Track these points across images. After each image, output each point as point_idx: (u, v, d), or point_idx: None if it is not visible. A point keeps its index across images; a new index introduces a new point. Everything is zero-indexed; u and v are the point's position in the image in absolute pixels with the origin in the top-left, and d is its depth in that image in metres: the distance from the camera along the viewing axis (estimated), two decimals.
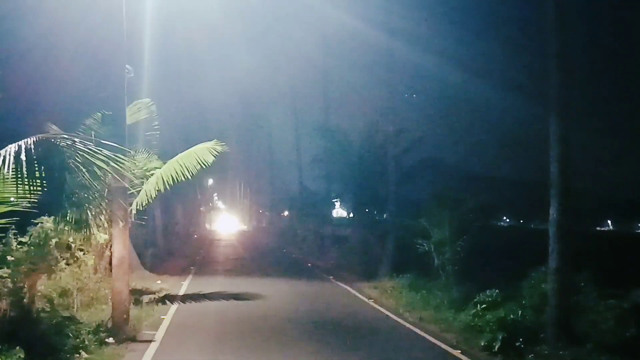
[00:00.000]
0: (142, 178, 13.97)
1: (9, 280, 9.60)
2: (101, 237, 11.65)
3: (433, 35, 20.33)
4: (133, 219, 13.42)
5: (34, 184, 6.21)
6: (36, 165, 6.13)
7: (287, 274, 23.20)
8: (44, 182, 6.18)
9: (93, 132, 13.43)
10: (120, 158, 6.58)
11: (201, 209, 55.38)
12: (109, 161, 6.38)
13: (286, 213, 50.06)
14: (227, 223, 66.33)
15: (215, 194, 79.21)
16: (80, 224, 6.74)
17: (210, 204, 72.77)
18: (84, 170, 6.38)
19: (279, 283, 20.29)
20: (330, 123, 30.55)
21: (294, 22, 29.08)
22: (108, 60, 11.62)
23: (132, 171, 13.83)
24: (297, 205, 39.11)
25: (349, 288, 19.30)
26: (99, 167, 6.34)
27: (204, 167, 13.60)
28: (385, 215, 24.75)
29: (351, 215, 36.55)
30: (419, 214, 17.57)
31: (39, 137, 6.24)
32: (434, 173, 21.36)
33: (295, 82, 37.64)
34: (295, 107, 40.23)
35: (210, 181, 62.11)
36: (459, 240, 15.30)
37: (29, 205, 6.96)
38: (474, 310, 12.18)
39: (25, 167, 6.02)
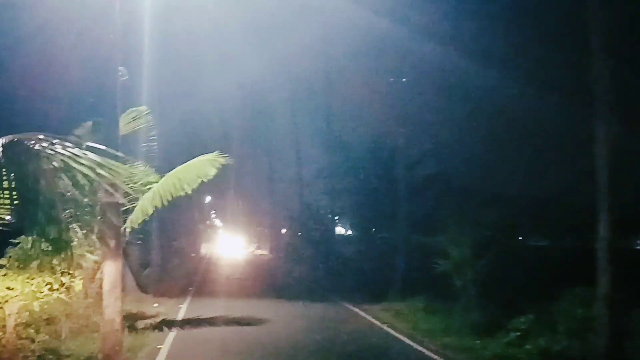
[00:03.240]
0: (137, 193, 12.83)
1: None
2: (90, 258, 10.39)
3: (448, 34, 19.04)
4: (127, 238, 12.22)
5: (2, 196, 5.05)
6: (4, 173, 4.98)
7: (290, 296, 21.93)
8: (14, 194, 5.02)
9: (84, 144, 12.36)
10: (110, 165, 5.42)
11: (199, 226, 53.90)
12: (96, 167, 5.22)
13: (284, 231, 48.43)
14: (227, 242, 63.14)
15: (213, 212, 77.74)
16: (61, 244, 5.57)
17: (208, 222, 71.26)
18: (64, 178, 5.22)
19: (283, 306, 19.04)
20: (335, 136, 29.41)
21: (297, 30, 27.91)
22: (99, 62, 10.50)
23: (127, 185, 12.76)
24: (299, 222, 37.80)
25: (358, 310, 18.08)
26: (84, 175, 5.18)
27: (205, 181, 12.39)
28: (390, 233, 23.58)
29: (349, 232, 35.38)
30: (431, 230, 16.49)
31: (7, 140, 5.09)
32: (447, 189, 20.14)
33: (298, 93, 36.32)
34: (298, 119, 38.97)
35: (208, 198, 60.68)
36: (480, 259, 14.10)
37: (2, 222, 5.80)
38: (507, 339, 10.97)
39: None
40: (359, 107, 24.73)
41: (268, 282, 27.06)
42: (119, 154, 8.03)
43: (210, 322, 14.64)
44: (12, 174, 5.05)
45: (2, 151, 5.00)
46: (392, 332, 14.52)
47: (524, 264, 14.70)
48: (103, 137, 11.27)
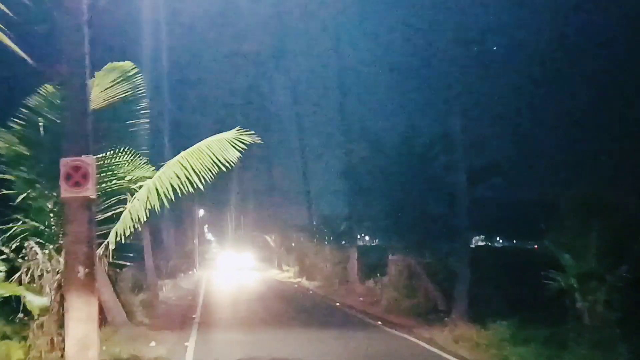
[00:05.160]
0: (123, 193, 8.76)
1: None
2: (33, 303, 6.05)
3: None
4: (109, 259, 8.09)
5: None
6: None
7: (318, 322, 17.84)
8: None
9: (41, 119, 8.41)
10: None
11: (194, 242, 49.34)
12: None
13: (295, 244, 43.45)
14: (227, 261, 55.61)
15: (206, 226, 72.74)
16: None
17: (202, 238, 66.09)
18: None
19: (316, 336, 14.85)
20: (354, 126, 25.37)
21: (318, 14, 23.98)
22: None
23: (107, 180, 8.78)
24: (311, 232, 33.46)
25: (415, 339, 13.96)
26: None
27: (225, 168, 8.21)
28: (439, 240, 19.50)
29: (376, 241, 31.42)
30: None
31: None
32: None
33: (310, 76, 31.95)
34: (308, 110, 34.49)
35: (202, 212, 56.22)
36: (615, 270, 9.96)
37: None
38: None
39: None
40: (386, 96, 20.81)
41: (283, 305, 22.69)
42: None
43: None
44: None
45: None
46: None
47: None
48: (68, 105, 7.29)
